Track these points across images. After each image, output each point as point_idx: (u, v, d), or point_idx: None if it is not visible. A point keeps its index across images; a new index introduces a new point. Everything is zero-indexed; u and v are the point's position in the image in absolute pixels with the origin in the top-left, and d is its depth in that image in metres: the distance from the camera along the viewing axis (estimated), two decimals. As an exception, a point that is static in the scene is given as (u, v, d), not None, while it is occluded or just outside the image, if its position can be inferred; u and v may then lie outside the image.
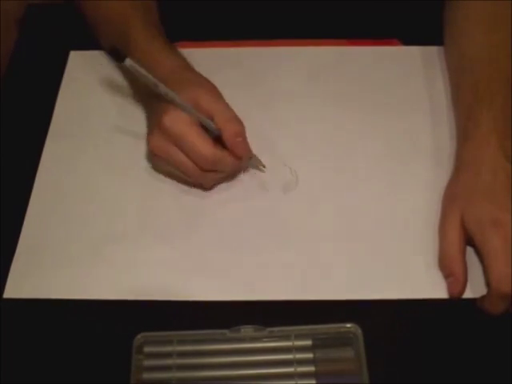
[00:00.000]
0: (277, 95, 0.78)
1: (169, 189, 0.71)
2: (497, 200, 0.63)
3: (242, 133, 0.66)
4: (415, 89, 0.78)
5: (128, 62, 0.61)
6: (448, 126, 0.74)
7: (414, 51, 0.82)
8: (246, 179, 0.71)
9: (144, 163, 0.72)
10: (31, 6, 0.89)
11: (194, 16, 0.83)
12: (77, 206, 0.70)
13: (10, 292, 0.65)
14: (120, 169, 0.72)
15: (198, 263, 0.66)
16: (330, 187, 0.71)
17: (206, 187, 0.69)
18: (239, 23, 0.83)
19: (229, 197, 0.70)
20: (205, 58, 0.81)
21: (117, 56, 0.62)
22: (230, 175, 0.70)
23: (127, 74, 0.77)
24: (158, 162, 0.69)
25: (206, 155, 0.64)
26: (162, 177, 0.71)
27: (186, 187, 0.71)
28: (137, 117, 0.76)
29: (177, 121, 0.64)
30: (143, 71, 0.63)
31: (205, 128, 0.66)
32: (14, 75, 0.82)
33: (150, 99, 0.69)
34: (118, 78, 0.79)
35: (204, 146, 0.64)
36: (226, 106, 0.66)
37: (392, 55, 0.82)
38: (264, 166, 0.70)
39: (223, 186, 0.71)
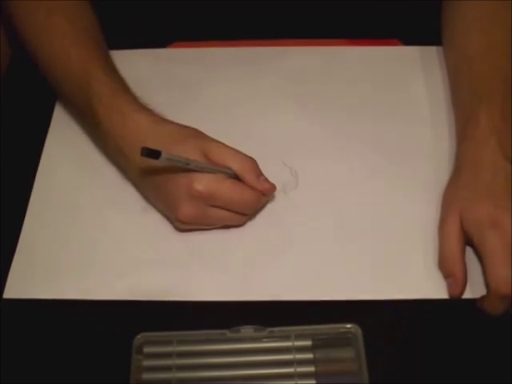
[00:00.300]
0: (277, 95, 0.78)
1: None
2: (496, 200, 0.63)
3: (259, 171, 0.65)
4: (415, 89, 0.78)
5: (163, 156, 0.58)
6: (448, 126, 0.74)
7: (414, 51, 0.82)
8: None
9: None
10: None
11: (189, 16, 0.83)
12: (77, 206, 0.70)
13: (10, 292, 0.65)
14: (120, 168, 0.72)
15: (197, 263, 0.66)
16: (330, 187, 0.71)
17: (241, 225, 0.68)
18: (238, 23, 0.82)
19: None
20: (202, 59, 0.81)
21: (151, 156, 0.58)
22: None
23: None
24: (188, 227, 0.67)
25: (251, 201, 0.65)
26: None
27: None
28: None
29: (207, 183, 0.62)
30: (177, 157, 0.60)
31: None
32: (13, 75, 0.82)
33: (149, 181, 0.66)
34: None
35: (246, 195, 0.64)
36: (230, 148, 0.65)
37: (392, 55, 0.82)
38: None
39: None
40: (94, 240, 0.68)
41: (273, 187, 0.66)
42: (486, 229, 0.62)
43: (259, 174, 0.65)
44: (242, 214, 0.66)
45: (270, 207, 0.69)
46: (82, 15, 0.73)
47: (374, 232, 0.68)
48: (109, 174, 0.72)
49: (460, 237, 0.64)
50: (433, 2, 0.79)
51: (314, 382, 0.59)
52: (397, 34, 0.83)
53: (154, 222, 0.69)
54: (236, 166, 0.64)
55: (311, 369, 0.60)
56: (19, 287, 0.65)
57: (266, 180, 0.66)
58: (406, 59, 0.81)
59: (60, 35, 0.71)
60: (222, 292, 0.64)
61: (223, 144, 0.65)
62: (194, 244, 0.67)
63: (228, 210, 0.65)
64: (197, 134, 0.66)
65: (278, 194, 0.70)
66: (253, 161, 0.65)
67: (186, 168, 0.62)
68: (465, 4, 0.75)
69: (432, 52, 0.81)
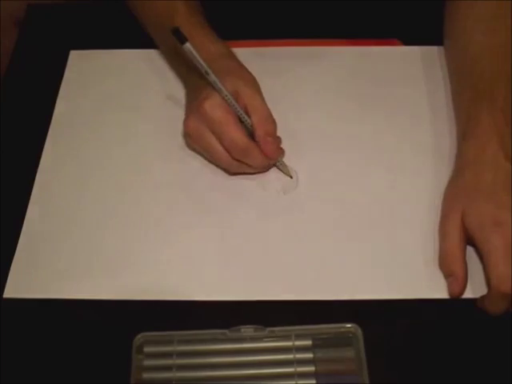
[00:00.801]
0: (276, 95, 0.78)
1: (168, 190, 0.71)
2: (498, 200, 0.63)
3: (273, 133, 0.69)
4: (415, 89, 0.78)
5: (187, 46, 0.63)
6: (448, 126, 0.74)
7: (414, 51, 0.82)
8: (245, 179, 0.71)
9: (143, 163, 0.73)
10: (31, 6, 0.89)
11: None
12: (76, 207, 0.70)
13: (10, 292, 0.65)
14: (120, 169, 0.72)
15: (198, 263, 0.66)
16: (330, 187, 0.71)
17: (230, 172, 0.71)
18: (239, 23, 0.83)
19: (229, 197, 0.70)
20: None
21: (178, 37, 0.63)
22: (257, 171, 0.71)
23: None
24: (191, 143, 0.70)
25: (239, 143, 0.66)
26: (161, 178, 0.72)
27: (185, 188, 0.71)
28: (137, 115, 0.76)
29: (216, 107, 0.66)
30: (199, 57, 0.65)
31: (241, 121, 0.68)
32: (13, 75, 0.82)
33: (193, 85, 0.71)
34: (118, 76, 0.79)
35: (238, 135, 0.66)
36: (263, 102, 0.69)
37: (392, 55, 0.82)
38: (291, 177, 0.71)
39: (223, 186, 0.71)
40: (94, 240, 0.68)
41: (275, 152, 0.68)
42: (487, 228, 0.62)
43: (271, 134, 0.68)
44: (230, 156, 0.68)
45: (269, 207, 0.69)
46: None
47: (374, 232, 0.68)
48: (109, 174, 0.72)
49: (461, 236, 0.64)
50: (433, 2, 0.80)
51: (313, 381, 0.59)
52: (397, 34, 0.83)
53: (155, 222, 0.69)
54: (254, 117, 0.67)
55: (311, 368, 0.60)
56: (19, 287, 0.65)
57: (274, 143, 0.68)
58: (406, 59, 0.81)
59: None
60: (222, 292, 0.64)
61: (260, 97, 0.69)
62: (193, 244, 0.67)
63: (221, 142, 0.67)
64: (245, 77, 0.70)
65: (277, 194, 0.70)
66: (272, 122, 0.68)
67: (223, 93, 0.66)
68: (469, 4, 0.75)
69: (432, 52, 0.81)
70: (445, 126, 0.75)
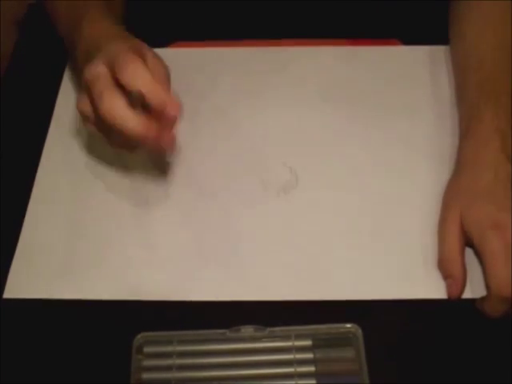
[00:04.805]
0: (277, 95, 0.78)
1: (167, 189, 0.71)
2: (497, 201, 0.63)
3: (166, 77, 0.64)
4: (415, 89, 0.78)
5: None
6: (449, 126, 0.74)
7: (414, 51, 0.82)
8: (245, 179, 0.71)
9: (143, 163, 0.73)
10: (31, 6, 0.89)
11: (189, 16, 0.83)
12: (76, 206, 0.70)
13: (10, 292, 0.65)
14: (120, 168, 0.72)
15: (197, 263, 0.66)
16: (330, 187, 0.71)
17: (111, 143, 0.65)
18: (239, 23, 0.83)
19: (228, 197, 0.70)
20: (202, 59, 0.82)
21: None
22: (139, 144, 0.63)
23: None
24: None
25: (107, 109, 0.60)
26: (161, 179, 0.72)
27: (184, 189, 0.71)
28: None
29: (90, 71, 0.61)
30: None
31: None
32: (13, 75, 0.82)
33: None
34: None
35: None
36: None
37: (392, 55, 0.82)
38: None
39: (222, 185, 0.71)
40: (94, 240, 0.68)
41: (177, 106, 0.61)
42: (486, 230, 0.62)
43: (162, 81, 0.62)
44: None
45: (269, 207, 0.70)
46: None
47: (373, 232, 0.68)
48: (109, 174, 0.72)
49: (460, 237, 0.64)
50: (433, 2, 0.80)
51: (314, 381, 0.59)
52: (397, 34, 0.83)
53: (154, 222, 0.69)
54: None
55: (311, 369, 0.60)
56: (19, 287, 0.65)
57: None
58: (406, 59, 0.81)
59: None
60: (222, 292, 0.64)
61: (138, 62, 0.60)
62: (193, 244, 0.67)
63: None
64: (123, 46, 0.63)
65: (277, 193, 0.70)
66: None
67: None
68: (477, 4, 0.75)
69: (432, 52, 0.81)
70: (445, 125, 0.75)
